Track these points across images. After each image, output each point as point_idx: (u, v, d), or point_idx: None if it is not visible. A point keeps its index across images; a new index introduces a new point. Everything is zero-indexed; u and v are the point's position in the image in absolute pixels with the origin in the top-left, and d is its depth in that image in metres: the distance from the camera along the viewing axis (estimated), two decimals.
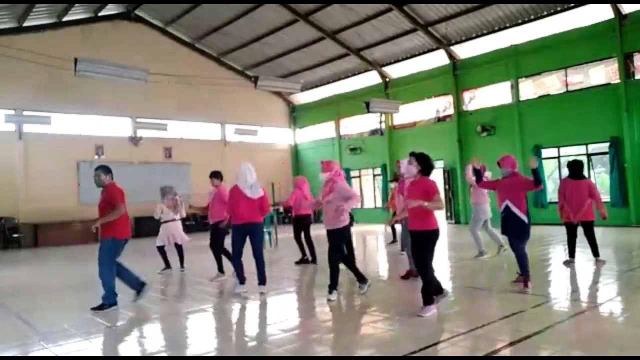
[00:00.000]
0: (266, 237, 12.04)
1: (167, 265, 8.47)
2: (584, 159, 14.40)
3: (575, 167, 7.18)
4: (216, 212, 7.36)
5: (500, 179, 6.01)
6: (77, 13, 17.72)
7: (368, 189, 21.21)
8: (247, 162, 6.40)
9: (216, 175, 7.55)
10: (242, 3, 17.12)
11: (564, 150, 14.90)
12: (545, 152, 15.11)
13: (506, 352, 3.66)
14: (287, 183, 19.74)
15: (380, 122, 20.43)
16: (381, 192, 20.23)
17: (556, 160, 15.07)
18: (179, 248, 8.55)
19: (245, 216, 6.13)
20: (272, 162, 22.14)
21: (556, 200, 8.06)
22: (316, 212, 8.66)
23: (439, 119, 18.37)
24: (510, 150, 15.39)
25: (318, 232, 8.76)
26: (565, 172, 14.14)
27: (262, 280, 6.31)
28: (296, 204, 8.56)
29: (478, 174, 6.52)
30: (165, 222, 8.47)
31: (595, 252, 7.15)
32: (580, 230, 7.20)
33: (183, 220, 8.87)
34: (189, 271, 8.41)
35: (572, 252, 7.33)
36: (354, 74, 20.77)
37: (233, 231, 6.25)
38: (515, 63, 15.75)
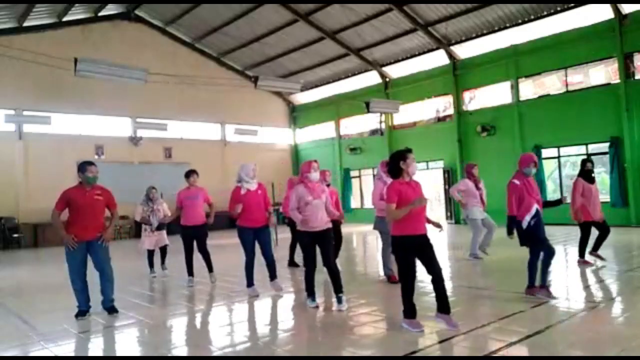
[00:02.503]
0: None
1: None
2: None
3: (592, 171, 7.31)
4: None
5: (526, 180, 5.25)
6: (77, 13, 17.73)
7: (368, 189, 21.21)
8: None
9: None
10: (242, 3, 17.13)
11: (564, 150, 14.91)
12: (545, 152, 15.11)
13: (506, 352, 3.65)
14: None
15: (380, 122, 20.43)
16: None
17: (556, 160, 15.08)
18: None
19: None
20: (272, 162, 22.15)
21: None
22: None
23: (439, 119, 18.37)
24: (510, 151, 15.42)
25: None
26: (566, 172, 14.06)
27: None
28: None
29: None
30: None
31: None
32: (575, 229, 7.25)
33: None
34: (180, 272, 8.36)
35: (584, 252, 7.33)
36: (354, 74, 20.78)
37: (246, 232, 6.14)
38: (515, 63, 15.75)
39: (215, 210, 7.52)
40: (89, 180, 5.45)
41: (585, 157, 14.07)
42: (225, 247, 11.94)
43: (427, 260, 4.33)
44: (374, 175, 20.80)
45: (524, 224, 5.17)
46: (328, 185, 7.73)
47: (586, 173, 7.27)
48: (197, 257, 7.29)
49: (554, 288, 5.95)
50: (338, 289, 5.32)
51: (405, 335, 4.29)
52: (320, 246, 5.35)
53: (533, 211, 5.14)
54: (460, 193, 8.30)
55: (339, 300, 5.28)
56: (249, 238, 6.12)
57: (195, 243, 7.26)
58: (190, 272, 7.26)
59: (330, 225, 5.47)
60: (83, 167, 5.46)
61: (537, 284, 5.26)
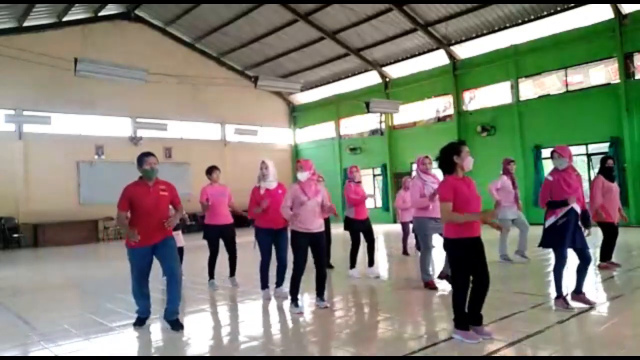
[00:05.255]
0: None
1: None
2: (584, 158, 14.43)
3: (613, 168, 6.96)
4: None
5: (559, 175, 4.84)
6: (77, 13, 17.74)
7: (368, 189, 21.18)
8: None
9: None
10: (242, 3, 17.13)
11: None
12: (545, 152, 15.10)
13: (506, 352, 3.66)
14: (287, 183, 19.74)
15: (380, 122, 20.44)
16: (381, 192, 20.29)
17: None
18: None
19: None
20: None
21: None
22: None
23: (439, 119, 18.37)
24: (510, 151, 15.41)
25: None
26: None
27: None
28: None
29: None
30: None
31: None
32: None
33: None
34: (186, 272, 8.33)
35: (611, 254, 7.01)
36: (354, 74, 20.79)
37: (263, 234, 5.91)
38: (515, 63, 15.76)
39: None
40: (147, 174, 4.64)
41: (587, 155, 14.42)
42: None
43: (479, 265, 3.96)
44: (374, 176, 20.84)
45: (547, 224, 4.80)
46: (359, 183, 7.54)
47: (607, 170, 6.84)
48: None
49: (554, 287, 5.95)
50: (322, 291, 5.36)
51: (405, 335, 4.29)
52: (314, 248, 5.23)
53: (563, 210, 4.70)
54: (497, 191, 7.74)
55: (322, 299, 5.33)
56: (267, 240, 5.86)
57: (224, 243, 6.83)
58: (212, 275, 6.87)
59: (323, 228, 5.36)
60: (141, 159, 4.67)
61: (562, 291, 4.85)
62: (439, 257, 7.68)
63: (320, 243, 5.25)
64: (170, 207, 4.88)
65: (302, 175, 5.26)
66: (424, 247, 6.16)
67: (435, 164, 6.07)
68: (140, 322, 4.84)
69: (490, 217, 3.95)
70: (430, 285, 6.04)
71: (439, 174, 4.65)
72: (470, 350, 3.73)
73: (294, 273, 5.20)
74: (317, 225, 5.24)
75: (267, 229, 5.83)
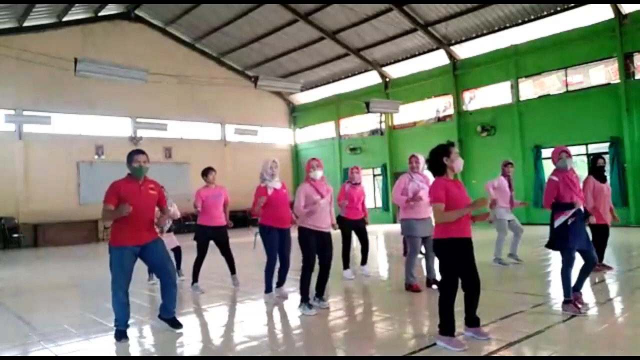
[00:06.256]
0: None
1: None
2: (584, 158, 14.43)
3: (603, 168, 6.81)
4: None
5: (564, 175, 4.78)
6: (77, 13, 17.74)
7: (368, 189, 21.18)
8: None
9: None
10: (242, 3, 17.13)
11: None
12: (545, 152, 15.10)
13: (506, 352, 3.65)
14: (288, 183, 19.76)
15: (380, 122, 20.44)
16: (381, 192, 20.29)
17: None
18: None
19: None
20: None
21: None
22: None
23: (439, 119, 18.38)
24: (510, 150, 15.43)
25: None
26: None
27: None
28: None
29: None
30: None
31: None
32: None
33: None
34: (186, 272, 8.30)
35: (602, 257, 6.79)
36: (354, 74, 20.80)
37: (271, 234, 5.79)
38: (515, 63, 15.77)
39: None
40: (136, 172, 4.46)
41: (587, 155, 14.38)
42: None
43: (469, 267, 3.95)
44: (374, 176, 20.84)
45: (557, 223, 4.69)
46: (358, 184, 7.44)
47: (598, 170, 6.69)
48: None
49: (554, 288, 5.95)
50: (322, 292, 5.35)
51: (405, 335, 4.29)
52: (324, 247, 5.22)
53: (570, 211, 4.62)
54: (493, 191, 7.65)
55: (322, 299, 5.32)
56: (275, 239, 5.72)
57: (217, 246, 6.73)
58: (197, 278, 6.69)
59: (331, 228, 5.37)
60: (130, 157, 4.50)
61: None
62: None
63: (328, 242, 5.27)
64: (156, 208, 4.73)
65: (317, 174, 5.27)
66: (411, 249, 6.04)
67: (422, 164, 6.06)
68: (122, 334, 4.47)
69: (479, 204, 3.81)
70: (414, 289, 5.93)
71: (429, 174, 4.64)
72: (471, 350, 3.73)
73: (304, 272, 5.15)
74: (327, 224, 5.27)
75: (275, 228, 5.74)
